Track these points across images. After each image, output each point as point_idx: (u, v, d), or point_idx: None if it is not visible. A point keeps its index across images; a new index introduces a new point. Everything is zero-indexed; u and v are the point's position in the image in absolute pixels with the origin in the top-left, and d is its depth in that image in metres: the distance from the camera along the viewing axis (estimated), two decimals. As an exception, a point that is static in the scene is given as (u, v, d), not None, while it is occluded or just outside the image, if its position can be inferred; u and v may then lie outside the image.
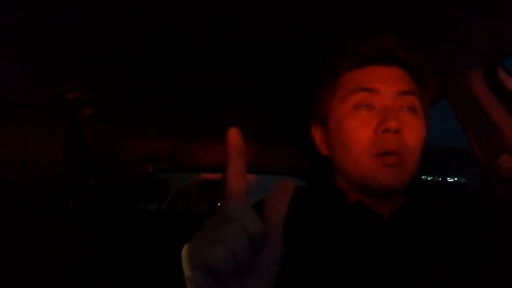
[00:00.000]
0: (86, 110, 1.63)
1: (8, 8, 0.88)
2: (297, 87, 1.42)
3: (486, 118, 0.96)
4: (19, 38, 1.03)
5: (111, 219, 1.06)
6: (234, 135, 0.39)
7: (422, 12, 0.89)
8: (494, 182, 0.97)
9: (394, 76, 0.64)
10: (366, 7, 0.89)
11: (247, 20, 0.98)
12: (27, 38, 1.04)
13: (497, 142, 0.94)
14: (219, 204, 2.70)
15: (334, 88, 0.66)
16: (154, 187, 2.29)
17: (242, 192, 0.38)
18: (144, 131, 2.17)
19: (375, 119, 0.60)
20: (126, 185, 2.31)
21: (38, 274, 0.84)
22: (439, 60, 0.99)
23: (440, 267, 0.57)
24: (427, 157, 0.64)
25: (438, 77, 1.00)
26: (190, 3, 0.90)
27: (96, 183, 2.02)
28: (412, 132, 0.61)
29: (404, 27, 0.91)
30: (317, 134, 0.71)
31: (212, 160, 2.50)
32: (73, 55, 1.18)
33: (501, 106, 0.95)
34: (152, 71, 1.39)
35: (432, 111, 0.71)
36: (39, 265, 0.84)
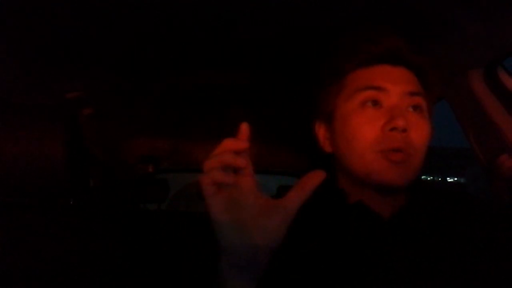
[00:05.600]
0: (86, 110, 1.62)
1: (8, 8, 0.88)
2: (298, 86, 1.42)
3: (486, 118, 0.96)
4: (19, 38, 1.03)
5: (111, 219, 1.06)
6: (245, 128, 0.49)
7: (422, 13, 0.89)
8: (494, 182, 0.97)
9: (402, 76, 0.64)
10: (366, 7, 0.89)
11: (247, 18, 0.98)
12: (27, 38, 1.04)
13: (497, 142, 0.94)
14: None
15: (341, 86, 0.66)
16: (154, 187, 2.29)
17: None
18: (144, 131, 2.17)
19: (382, 117, 0.60)
20: (126, 185, 2.31)
21: (38, 274, 0.84)
22: (439, 60, 0.99)
23: (441, 267, 0.57)
24: (427, 157, 0.64)
25: (439, 77, 1.00)
26: (190, 2, 0.90)
27: (96, 183, 2.02)
28: (419, 132, 0.61)
29: (404, 27, 0.91)
30: (321, 131, 0.71)
31: None
32: (73, 55, 1.18)
33: (501, 106, 0.95)
34: (152, 71, 1.39)
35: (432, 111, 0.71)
36: (39, 265, 0.84)
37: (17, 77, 1.16)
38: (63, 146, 0.81)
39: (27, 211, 0.90)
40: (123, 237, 0.97)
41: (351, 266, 0.57)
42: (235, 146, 0.48)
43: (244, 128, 0.50)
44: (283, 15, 0.96)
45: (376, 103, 0.62)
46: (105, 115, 1.76)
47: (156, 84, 1.51)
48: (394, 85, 0.62)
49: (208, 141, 0.46)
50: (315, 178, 0.47)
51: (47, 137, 0.81)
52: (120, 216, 1.15)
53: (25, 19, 0.94)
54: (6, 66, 1.11)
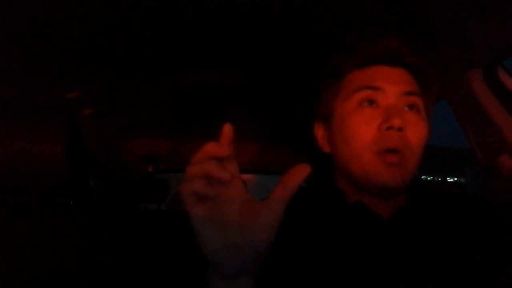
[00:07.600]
0: (86, 110, 1.62)
1: (8, 8, 0.88)
2: (297, 86, 1.42)
3: (486, 118, 0.96)
4: (19, 38, 1.03)
5: (111, 219, 1.06)
6: (228, 130, 0.46)
7: (422, 12, 0.89)
8: (494, 182, 0.97)
9: (399, 77, 0.64)
10: (366, 7, 0.89)
11: (248, 18, 0.98)
12: (27, 38, 1.04)
13: (497, 142, 0.94)
14: None
15: (339, 86, 0.67)
16: (154, 187, 2.29)
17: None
18: (144, 131, 2.17)
19: (378, 117, 0.61)
20: (126, 185, 2.31)
21: (37, 274, 0.84)
22: (439, 60, 0.99)
23: (441, 267, 0.57)
24: (427, 157, 0.65)
25: (438, 77, 1.00)
26: (190, 2, 0.90)
27: (96, 183, 2.02)
28: (415, 132, 0.61)
29: (404, 27, 0.91)
30: (319, 132, 0.71)
31: None
32: (73, 55, 1.18)
33: (501, 106, 0.95)
34: (153, 71, 1.39)
35: (432, 111, 0.71)
36: (39, 265, 0.84)
37: (17, 77, 1.16)
38: (63, 146, 0.81)
39: (27, 211, 0.90)
40: (123, 237, 0.97)
41: (351, 267, 0.57)
42: (217, 153, 0.44)
43: (227, 130, 0.45)
44: (283, 16, 0.96)
45: (373, 103, 0.62)
46: (105, 115, 1.76)
47: (156, 84, 1.51)
48: (391, 85, 0.62)
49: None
50: (299, 173, 0.44)
51: (47, 137, 0.81)
52: (120, 216, 1.14)
53: (25, 19, 0.94)
54: (6, 66, 1.11)
